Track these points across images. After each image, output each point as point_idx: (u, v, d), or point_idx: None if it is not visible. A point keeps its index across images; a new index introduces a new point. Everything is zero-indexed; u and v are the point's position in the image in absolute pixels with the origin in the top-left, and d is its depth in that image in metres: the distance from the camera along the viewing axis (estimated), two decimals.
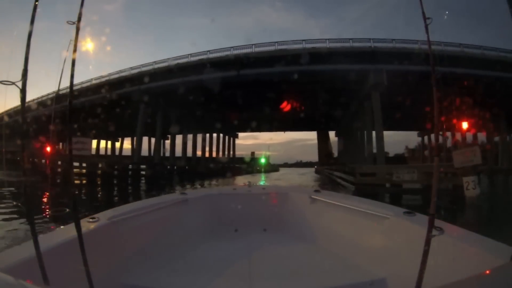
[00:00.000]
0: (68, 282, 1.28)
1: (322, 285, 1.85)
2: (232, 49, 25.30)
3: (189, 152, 39.26)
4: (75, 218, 1.33)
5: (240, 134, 56.26)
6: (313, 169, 66.88)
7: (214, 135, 45.55)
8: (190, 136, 39.73)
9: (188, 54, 27.20)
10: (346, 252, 2.18)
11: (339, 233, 2.42)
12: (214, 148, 47.20)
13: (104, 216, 1.97)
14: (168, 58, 28.17)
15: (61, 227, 1.64)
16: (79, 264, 1.24)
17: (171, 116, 30.73)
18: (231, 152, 53.89)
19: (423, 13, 1.39)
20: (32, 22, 1.23)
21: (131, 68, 29.65)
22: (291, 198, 3.21)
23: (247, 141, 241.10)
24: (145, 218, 2.30)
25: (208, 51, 26.01)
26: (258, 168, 55.61)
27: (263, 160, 60.45)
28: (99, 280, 1.28)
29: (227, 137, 49.34)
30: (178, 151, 37.05)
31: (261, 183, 14.57)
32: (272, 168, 64.98)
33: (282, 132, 57.61)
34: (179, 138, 38.02)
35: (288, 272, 2.04)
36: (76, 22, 1.33)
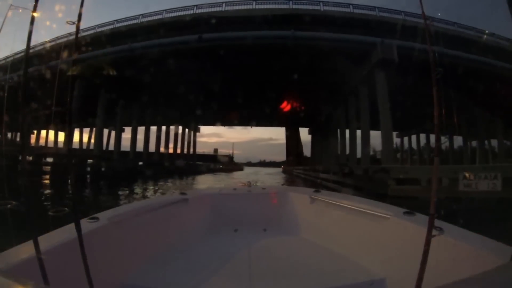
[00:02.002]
0: (68, 282, 1.35)
1: (322, 285, 1.92)
2: (195, 7, 21.58)
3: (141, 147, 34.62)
4: (75, 218, 1.39)
5: (204, 131, 50.57)
6: (279, 169, 65.96)
7: (172, 128, 41.16)
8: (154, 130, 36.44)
9: (139, 15, 22.93)
10: (346, 252, 2.29)
11: (339, 233, 2.53)
12: (172, 144, 42.24)
13: (104, 216, 1.98)
14: (115, 21, 23.54)
15: (61, 227, 1.65)
16: (79, 264, 1.29)
17: (118, 101, 27.12)
18: (192, 148, 49.34)
19: (423, 13, 1.48)
20: (31, 22, 1.28)
21: (70, 34, 21.53)
22: (291, 198, 3.28)
23: (211, 139, 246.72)
24: (145, 218, 2.34)
25: (165, 10, 22.20)
26: (221, 166, 50.21)
27: (226, 158, 55.38)
28: (99, 280, 1.35)
29: (187, 130, 41.72)
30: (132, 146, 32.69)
31: None
32: (236, 167, 59.38)
33: (250, 128, 52.61)
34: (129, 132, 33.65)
35: (288, 272, 2.11)
36: (76, 22, 1.40)
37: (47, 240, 1.43)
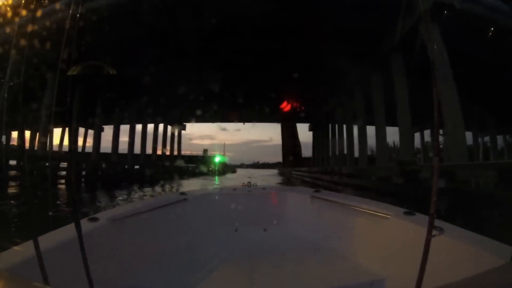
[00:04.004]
0: (68, 282, 1.41)
1: (322, 285, 1.94)
2: None
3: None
4: (75, 218, 1.40)
5: (196, 133, 45.44)
6: (274, 171, 62.96)
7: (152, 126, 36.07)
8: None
9: None
10: (346, 252, 2.30)
11: (339, 233, 2.53)
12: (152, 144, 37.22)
13: (104, 216, 2.02)
14: None
15: (61, 227, 1.72)
16: (79, 264, 1.31)
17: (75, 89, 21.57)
18: (176, 150, 43.95)
19: (424, 12, 1.60)
20: (32, 22, 1.25)
21: None
22: (291, 198, 3.26)
23: (204, 141, 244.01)
24: (145, 218, 2.33)
25: None
26: (210, 169, 44.64)
27: (217, 159, 49.95)
28: (99, 281, 1.39)
29: (169, 127, 38.06)
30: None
31: None
32: (228, 169, 54.75)
33: (242, 124, 47.62)
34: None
35: (288, 272, 2.14)
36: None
37: (47, 240, 1.50)
